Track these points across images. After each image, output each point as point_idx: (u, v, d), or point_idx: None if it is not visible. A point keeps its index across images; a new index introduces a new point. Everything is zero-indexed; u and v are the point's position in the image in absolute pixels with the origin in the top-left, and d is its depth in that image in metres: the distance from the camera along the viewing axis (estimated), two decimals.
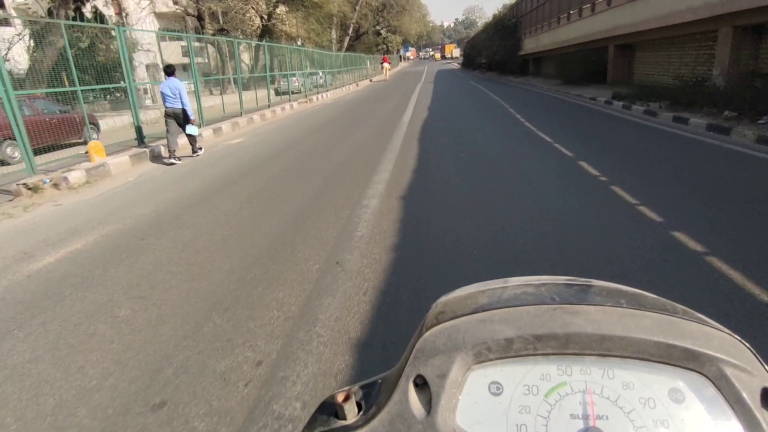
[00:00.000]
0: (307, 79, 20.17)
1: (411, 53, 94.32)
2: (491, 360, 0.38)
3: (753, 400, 0.34)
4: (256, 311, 2.60)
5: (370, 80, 33.17)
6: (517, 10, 31.77)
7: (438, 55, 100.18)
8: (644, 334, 0.36)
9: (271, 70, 15.82)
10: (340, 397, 0.40)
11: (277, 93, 17.80)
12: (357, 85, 27.70)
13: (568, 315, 0.38)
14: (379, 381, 0.43)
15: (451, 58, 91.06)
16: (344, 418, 0.40)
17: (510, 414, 0.36)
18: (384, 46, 57.45)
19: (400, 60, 73.30)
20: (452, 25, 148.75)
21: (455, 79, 30.60)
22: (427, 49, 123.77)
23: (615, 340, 0.36)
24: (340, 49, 35.83)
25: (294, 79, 18.73)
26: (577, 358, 0.37)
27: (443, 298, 0.45)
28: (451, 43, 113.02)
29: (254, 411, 1.84)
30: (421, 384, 0.38)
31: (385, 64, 33.28)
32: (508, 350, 0.37)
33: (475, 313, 0.40)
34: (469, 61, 50.35)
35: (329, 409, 0.41)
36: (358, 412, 0.40)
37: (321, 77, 22.41)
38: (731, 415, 0.34)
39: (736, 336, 0.38)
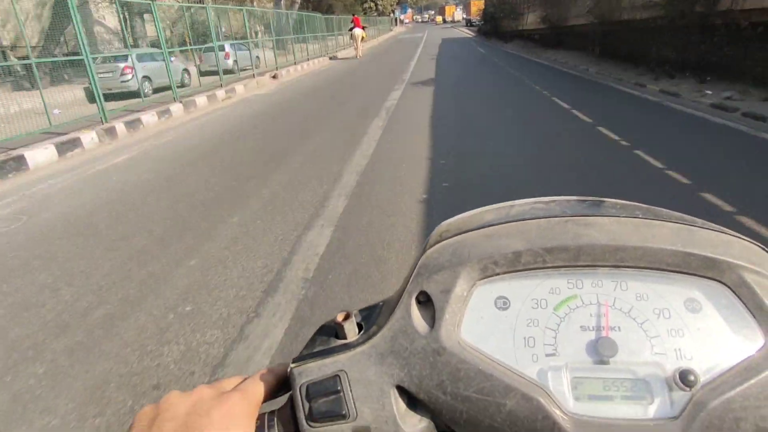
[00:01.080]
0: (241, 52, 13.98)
1: (407, 16, 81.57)
2: (498, 274, 0.36)
3: None
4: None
5: (330, 58, 21.33)
6: None
7: (440, 18, 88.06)
8: (661, 244, 0.35)
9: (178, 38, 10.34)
10: (340, 317, 0.39)
11: (201, 73, 12.04)
12: (306, 64, 17.65)
13: (581, 227, 0.36)
14: (381, 304, 0.42)
15: (453, 21, 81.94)
16: (344, 338, 0.39)
17: (517, 327, 0.35)
18: (372, 3, 46.34)
19: (396, 23, 62.79)
20: None
21: (475, 61, 17.65)
22: (429, 11, 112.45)
23: (630, 251, 0.35)
24: (292, 6, 24.07)
25: (225, 52, 13.14)
26: (588, 270, 0.36)
27: (447, 220, 0.43)
28: (454, 3, 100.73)
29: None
30: (425, 301, 0.37)
31: (357, 30, 21.49)
32: (516, 264, 0.36)
33: (481, 228, 0.39)
34: (493, 25, 31.81)
35: (329, 331, 0.40)
36: (359, 332, 0.40)
37: (254, 49, 14.86)
38: (751, 322, 0.33)
39: (758, 243, 0.36)
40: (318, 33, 22.83)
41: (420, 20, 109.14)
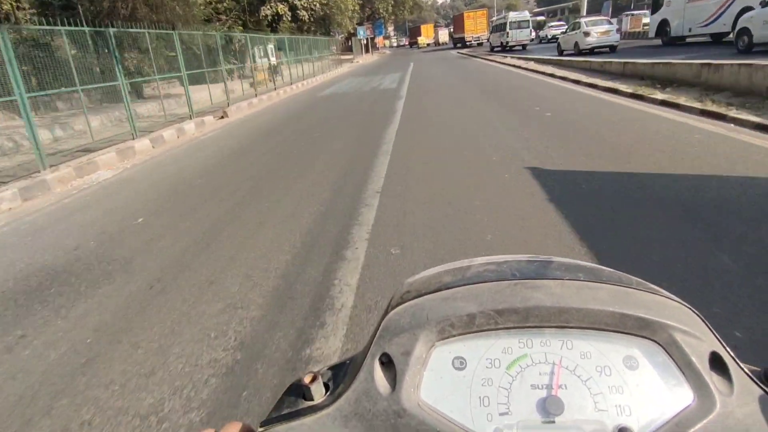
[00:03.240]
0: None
1: (378, 40, 55.05)
2: (454, 336, 0.38)
3: (702, 364, 0.36)
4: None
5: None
6: None
7: (423, 39, 59.94)
8: (600, 305, 0.38)
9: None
10: (307, 379, 0.41)
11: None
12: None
13: (528, 289, 0.39)
14: (347, 362, 0.44)
15: (435, 43, 59.86)
16: (312, 399, 0.40)
17: (473, 387, 0.37)
18: (292, 25, 25.14)
19: (364, 49, 41.39)
20: (448, 0, 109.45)
21: None
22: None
23: (573, 312, 0.38)
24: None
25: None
26: (537, 330, 0.38)
27: (409, 279, 0.46)
28: (437, 23, 76.28)
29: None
30: (387, 362, 0.39)
31: None
32: (471, 326, 0.38)
33: (438, 291, 0.41)
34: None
35: (297, 391, 0.42)
36: (326, 392, 0.41)
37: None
38: (682, 379, 0.36)
39: (687, 305, 0.40)
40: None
41: (395, 45, 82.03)
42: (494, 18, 35.94)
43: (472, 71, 17.44)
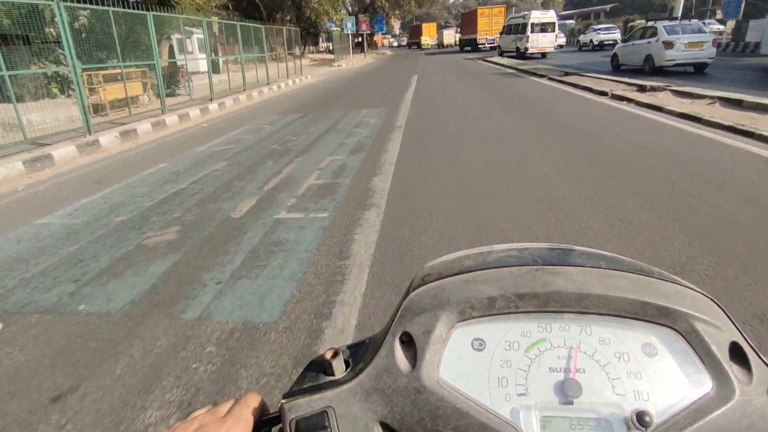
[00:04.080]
0: None
1: (377, 38, 47.77)
2: (474, 318, 0.39)
3: (722, 353, 0.36)
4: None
5: None
6: None
7: (427, 40, 50.67)
8: (621, 293, 0.38)
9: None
10: (328, 355, 0.42)
11: None
12: None
13: (549, 275, 0.40)
14: (367, 341, 0.45)
15: (438, 45, 50.53)
16: (332, 375, 0.42)
17: (492, 368, 0.38)
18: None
19: (357, 46, 35.70)
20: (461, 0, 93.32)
21: None
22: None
23: (593, 299, 0.38)
24: None
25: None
26: (556, 315, 0.39)
27: (429, 263, 0.47)
28: (449, 24, 62.74)
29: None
30: (407, 341, 0.40)
31: None
32: (491, 308, 0.39)
33: (460, 274, 0.42)
34: None
35: (318, 367, 0.43)
36: (346, 369, 0.42)
37: None
38: (701, 368, 0.36)
39: (708, 295, 0.40)
40: None
41: (396, 44, 74.13)
42: (512, 16, 27.57)
43: (536, 105, 8.79)
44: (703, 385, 0.36)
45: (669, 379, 0.36)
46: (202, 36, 13.20)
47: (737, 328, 0.38)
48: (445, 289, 0.41)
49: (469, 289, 0.40)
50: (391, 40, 76.43)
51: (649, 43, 12.81)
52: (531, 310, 0.39)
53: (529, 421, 0.36)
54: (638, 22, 27.93)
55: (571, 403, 0.37)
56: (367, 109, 9.37)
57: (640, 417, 0.34)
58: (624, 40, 14.99)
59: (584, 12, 56.84)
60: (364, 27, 34.06)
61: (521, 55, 23.05)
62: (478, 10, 35.79)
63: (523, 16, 23.72)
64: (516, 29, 24.06)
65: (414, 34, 57.27)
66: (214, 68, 13.20)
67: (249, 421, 0.41)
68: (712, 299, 0.39)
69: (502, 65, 19.51)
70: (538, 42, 22.59)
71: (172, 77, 12.03)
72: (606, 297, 0.38)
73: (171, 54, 13.55)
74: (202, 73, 13.62)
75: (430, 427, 0.37)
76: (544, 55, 23.09)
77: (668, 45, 12.08)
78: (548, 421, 0.36)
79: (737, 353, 0.37)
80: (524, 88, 11.62)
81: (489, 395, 0.38)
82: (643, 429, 0.34)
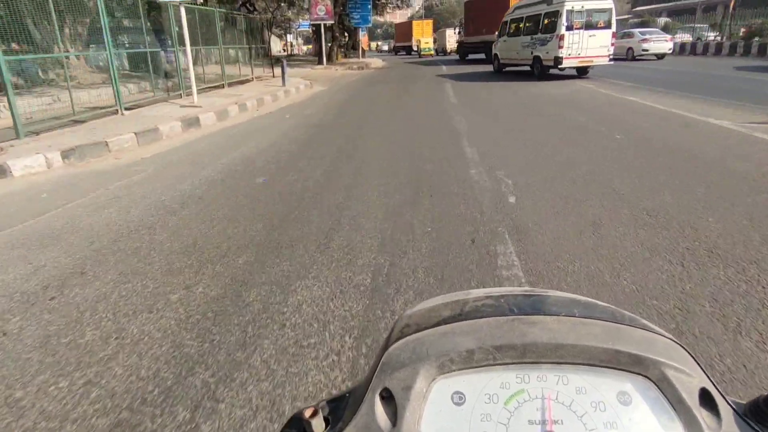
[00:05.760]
0: None
1: (362, 40, 34.45)
2: (454, 371, 0.39)
3: (692, 400, 0.37)
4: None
5: None
6: None
7: (425, 43, 36.43)
8: (594, 342, 0.39)
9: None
10: (307, 413, 0.41)
11: None
12: None
13: (526, 325, 0.40)
14: (347, 395, 0.44)
15: (437, 51, 37.80)
16: None
17: (472, 422, 0.38)
18: None
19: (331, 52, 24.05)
20: None
21: None
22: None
23: (568, 348, 0.39)
24: None
25: None
26: (534, 366, 0.39)
27: (408, 311, 0.47)
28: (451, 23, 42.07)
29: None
30: (387, 396, 0.39)
31: None
32: (470, 361, 0.39)
33: (438, 326, 0.42)
34: None
35: (297, 425, 0.42)
36: (326, 426, 0.41)
37: None
38: (673, 415, 0.37)
39: (677, 340, 0.41)
40: None
41: (387, 48, 60.11)
42: (520, 3, 15.93)
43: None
44: None
45: (643, 429, 0.37)
46: None
47: (706, 374, 0.39)
48: (424, 342, 0.41)
49: (447, 342, 0.40)
50: (380, 43, 63.77)
51: None
52: (509, 362, 0.39)
53: None
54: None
55: None
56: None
57: None
58: None
59: (656, 8, 39.15)
60: (329, 16, 21.00)
61: (543, 70, 13.71)
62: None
63: (548, 1, 13.41)
64: (530, 26, 14.32)
65: (402, 34, 42.20)
66: None
67: None
68: (681, 345, 0.41)
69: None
70: (581, 46, 12.72)
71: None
72: (580, 346, 0.39)
73: None
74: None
75: None
76: (585, 70, 13.69)
77: None
78: None
79: (706, 399, 0.38)
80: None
81: None
82: None
